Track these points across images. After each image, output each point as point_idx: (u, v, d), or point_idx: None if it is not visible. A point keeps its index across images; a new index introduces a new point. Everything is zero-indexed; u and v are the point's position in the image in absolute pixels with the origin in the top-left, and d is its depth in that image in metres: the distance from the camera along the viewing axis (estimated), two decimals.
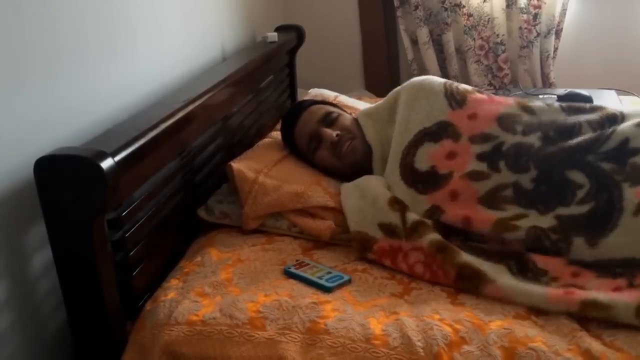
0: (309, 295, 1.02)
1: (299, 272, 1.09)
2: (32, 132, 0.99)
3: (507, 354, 0.88)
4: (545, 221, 1.11)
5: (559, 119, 1.25)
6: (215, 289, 1.05)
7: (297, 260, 1.14)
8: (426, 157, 1.26)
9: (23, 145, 0.96)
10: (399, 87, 1.45)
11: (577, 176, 1.13)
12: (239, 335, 0.95)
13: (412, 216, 1.16)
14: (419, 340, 0.90)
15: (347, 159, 1.37)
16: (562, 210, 1.11)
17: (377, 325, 0.94)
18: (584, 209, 1.09)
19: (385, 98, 1.46)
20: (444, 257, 1.07)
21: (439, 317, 0.95)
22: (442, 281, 1.06)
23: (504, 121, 1.26)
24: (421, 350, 0.89)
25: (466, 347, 0.89)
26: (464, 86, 1.38)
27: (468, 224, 1.16)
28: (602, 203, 1.08)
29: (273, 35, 1.89)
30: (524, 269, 1.06)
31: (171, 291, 1.06)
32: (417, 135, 1.30)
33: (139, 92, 1.30)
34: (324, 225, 1.22)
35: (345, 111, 1.50)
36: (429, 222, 1.15)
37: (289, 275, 1.09)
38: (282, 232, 1.26)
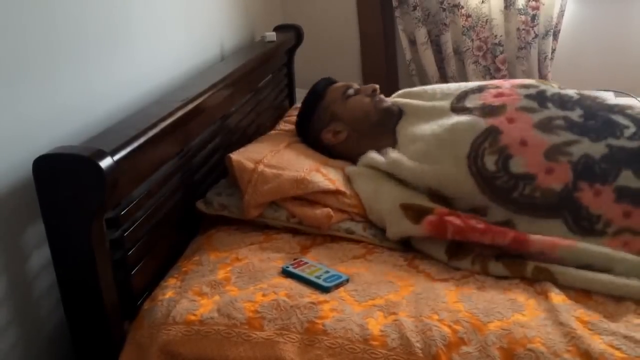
0: (307, 295, 1.02)
1: (297, 271, 1.08)
2: (30, 131, 0.98)
3: (506, 354, 0.88)
4: (597, 149, 1.17)
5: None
6: (213, 288, 1.05)
7: (295, 259, 1.13)
8: (475, 100, 1.35)
9: (21, 144, 0.96)
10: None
11: (621, 119, 1.22)
12: (236, 335, 0.95)
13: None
14: (417, 341, 0.91)
15: (382, 104, 1.47)
16: (613, 141, 1.18)
17: (375, 325, 0.94)
18: (634, 144, 1.17)
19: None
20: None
21: (438, 317, 0.95)
22: (506, 235, 1.10)
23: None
24: (420, 351, 0.89)
25: (465, 348, 0.89)
26: None
27: (524, 147, 1.20)
28: None
29: (271, 35, 1.89)
30: (578, 218, 1.12)
31: (169, 290, 1.06)
32: (460, 94, 1.40)
33: (137, 91, 1.29)
34: (322, 214, 1.22)
35: None
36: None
37: (287, 274, 1.09)
38: (281, 223, 1.26)
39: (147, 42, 1.35)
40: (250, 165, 1.27)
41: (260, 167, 1.27)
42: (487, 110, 1.29)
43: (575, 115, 1.24)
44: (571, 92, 1.34)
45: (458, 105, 1.36)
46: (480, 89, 1.39)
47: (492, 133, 1.23)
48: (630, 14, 2.16)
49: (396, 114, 1.46)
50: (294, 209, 1.25)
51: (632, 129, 1.20)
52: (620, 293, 1.00)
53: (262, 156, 1.33)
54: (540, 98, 1.30)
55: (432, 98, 1.45)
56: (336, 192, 1.26)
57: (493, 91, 1.36)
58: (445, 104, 1.38)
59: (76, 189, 0.88)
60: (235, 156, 1.30)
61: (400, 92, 1.58)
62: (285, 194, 1.25)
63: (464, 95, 1.39)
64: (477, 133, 1.24)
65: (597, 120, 1.23)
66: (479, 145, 1.23)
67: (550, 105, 1.28)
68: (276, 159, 1.33)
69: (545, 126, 1.23)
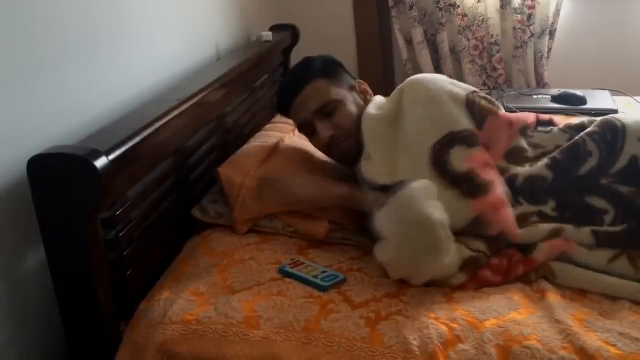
0: (304, 295, 1.02)
1: (294, 270, 1.08)
2: (25, 130, 0.98)
3: (502, 352, 0.88)
4: (582, 235, 1.10)
5: (562, 142, 1.23)
6: (210, 288, 1.05)
7: (292, 259, 1.13)
8: (462, 160, 1.15)
9: (16, 144, 0.96)
10: (403, 86, 1.30)
11: (598, 202, 1.14)
12: (233, 334, 0.95)
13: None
14: (414, 339, 0.91)
15: (337, 158, 1.33)
16: (597, 228, 1.11)
17: (372, 324, 0.94)
18: (618, 228, 1.10)
19: (391, 97, 1.33)
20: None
21: (434, 315, 0.95)
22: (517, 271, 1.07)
23: (512, 157, 1.24)
24: (416, 349, 0.89)
25: (461, 346, 0.89)
26: (485, 101, 1.28)
27: (506, 238, 1.11)
28: (635, 226, 1.09)
29: (267, 34, 1.89)
30: None
31: (165, 290, 1.06)
32: (446, 136, 1.17)
33: (133, 90, 1.29)
34: (319, 225, 1.22)
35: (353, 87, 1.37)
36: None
37: (284, 274, 1.09)
38: (277, 232, 1.25)
39: (142, 41, 1.35)
40: (238, 179, 1.27)
41: (248, 181, 1.26)
42: (474, 186, 1.13)
43: (549, 208, 1.15)
44: (544, 169, 1.18)
45: (439, 162, 1.15)
46: (470, 141, 1.18)
47: (477, 226, 1.11)
48: (626, 12, 2.16)
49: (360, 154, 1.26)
50: (289, 220, 1.25)
51: (611, 213, 1.12)
52: (616, 293, 1.00)
53: (250, 167, 1.31)
54: (512, 190, 1.16)
55: (406, 137, 1.20)
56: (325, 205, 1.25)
57: (484, 156, 1.18)
58: (424, 149, 1.16)
59: (71, 189, 0.87)
60: (223, 170, 1.30)
61: (373, 117, 1.28)
62: (273, 210, 1.25)
63: (448, 142, 1.17)
64: (464, 223, 1.10)
65: (573, 210, 1.14)
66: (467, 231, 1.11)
67: (521, 199, 1.16)
68: (263, 171, 1.31)
69: (523, 222, 1.13)
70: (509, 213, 1.13)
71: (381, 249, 1.05)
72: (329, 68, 1.35)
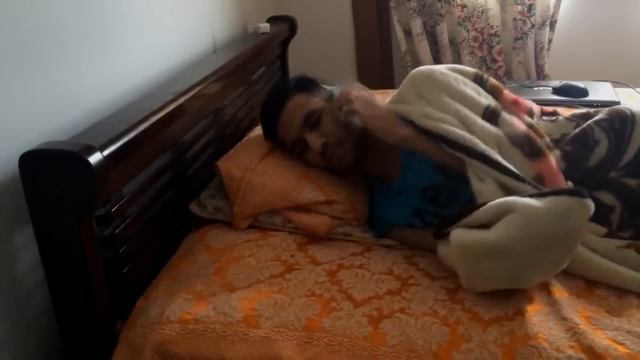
0: (306, 293, 1.00)
1: None
2: (17, 125, 0.95)
3: (507, 351, 0.86)
4: (594, 226, 1.09)
5: (569, 131, 1.22)
6: (208, 286, 1.03)
7: None
8: (511, 124, 1.17)
9: (8, 139, 0.93)
10: (412, 77, 1.29)
11: (606, 197, 1.13)
12: (233, 333, 0.93)
13: None
14: (418, 338, 0.89)
15: (336, 165, 1.26)
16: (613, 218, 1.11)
17: (374, 322, 0.93)
18: (627, 234, 1.09)
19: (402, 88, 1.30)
20: None
21: (438, 314, 0.93)
22: None
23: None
24: (420, 348, 0.88)
25: (465, 345, 0.88)
26: (492, 79, 1.30)
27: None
28: None
29: (265, 27, 1.86)
30: None
31: (163, 289, 1.04)
32: (486, 110, 1.20)
33: (128, 84, 1.27)
34: (320, 221, 1.20)
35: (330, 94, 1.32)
36: None
37: None
38: (277, 228, 1.23)
39: (138, 34, 1.32)
40: (239, 173, 1.24)
41: (248, 175, 1.23)
42: (534, 148, 1.14)
43: None
44: (557, 158, 1.17)
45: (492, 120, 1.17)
46: (506, 113, 1.21)
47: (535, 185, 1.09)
48: (627, 4, 2.15)
49: (360, 155, 1.25)
50: (289, 215, 1.22)
51: (618, 210, 1.11)
52: (624, 285, 0.99)
53: (250, 161, 1.28)
54: None
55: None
56: (328, 202, 1.23)
57: (517, 120, 1.20)
58: (470, 115, 1.18)
59: (65, 186, 0.85)
60: (222, 164, 1.27)
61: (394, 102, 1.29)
62: (274, 206, 1.22)
63: (491, 114, 1.19)
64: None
65: None
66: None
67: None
68: (264, 164, 1.28)
69: None
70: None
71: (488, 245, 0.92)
72: (304, 83, 1.34)
